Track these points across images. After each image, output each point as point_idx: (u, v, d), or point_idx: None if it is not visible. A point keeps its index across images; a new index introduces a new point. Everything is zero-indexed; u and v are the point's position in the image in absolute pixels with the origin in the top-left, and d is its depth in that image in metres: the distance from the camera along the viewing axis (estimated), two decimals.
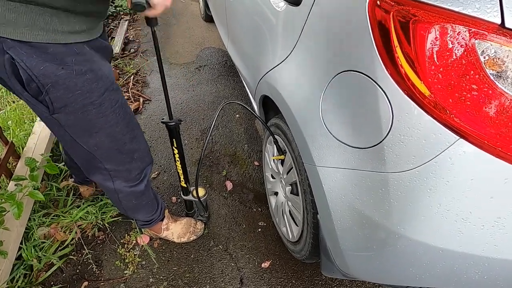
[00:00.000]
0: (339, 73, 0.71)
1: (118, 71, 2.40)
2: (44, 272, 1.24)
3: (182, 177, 1.24)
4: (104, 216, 1.41)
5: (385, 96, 0.61)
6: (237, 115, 2.05)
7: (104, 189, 1.08)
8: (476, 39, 0.48)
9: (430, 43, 0.52)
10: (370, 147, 0.66)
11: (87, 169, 1.00)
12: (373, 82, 0.62)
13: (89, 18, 0.73)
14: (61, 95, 0.73)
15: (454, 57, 0.50)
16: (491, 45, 0.48)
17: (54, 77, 0.70)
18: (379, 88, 0.61)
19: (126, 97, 2.18)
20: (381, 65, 0.60)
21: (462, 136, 0.54)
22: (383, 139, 0.63)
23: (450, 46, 0.50)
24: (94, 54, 0.77)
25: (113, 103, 0.84)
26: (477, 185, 0.56)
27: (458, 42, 0.49)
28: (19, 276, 1.20)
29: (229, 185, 1.61)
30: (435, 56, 0.52)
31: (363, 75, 0.64)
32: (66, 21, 0.68)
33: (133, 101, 2.15)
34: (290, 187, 1.13)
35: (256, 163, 1.73)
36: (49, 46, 0.67)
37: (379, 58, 0.60)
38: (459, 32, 0.49)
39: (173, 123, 1.07)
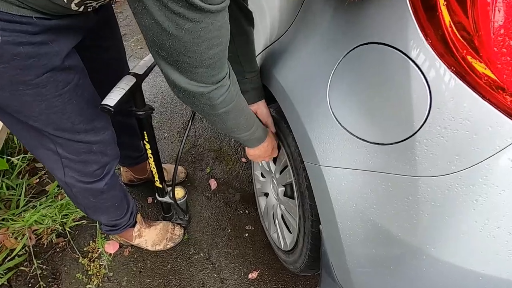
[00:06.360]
0: (355, 48, 0.56)
1: None
2: None
3: (156, 176, 1.06)
4: (65, 219, 1.21)
5: (421, 74, 0.46)
6: None
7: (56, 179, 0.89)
8: None
9: None
10: (395, 142, 0.52)
11: (34, 146, 0.79)
12: (404, 56, 0.47)
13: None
14: None
15: None
16: None
17: None
18: (413, 64, 0.46)
19: None
20: (417, 33, 0.45)
21: None
22: (414, 133, 0.48)
23: None
24: (47, 31, 0.60)
25: (59, 86, 0.67)
26: None
27: None
28: None
29: (213, 184, 1.45)
30: (503, 16, 0.37)
31: (390, 48, 0.49)
32: None
33: None
34: (284, 188, 0.98)
35: (243, 159, 1.58)
36: None
37: (415, 23, 0.45)
38: None
39: (143, 112, 0.89)
